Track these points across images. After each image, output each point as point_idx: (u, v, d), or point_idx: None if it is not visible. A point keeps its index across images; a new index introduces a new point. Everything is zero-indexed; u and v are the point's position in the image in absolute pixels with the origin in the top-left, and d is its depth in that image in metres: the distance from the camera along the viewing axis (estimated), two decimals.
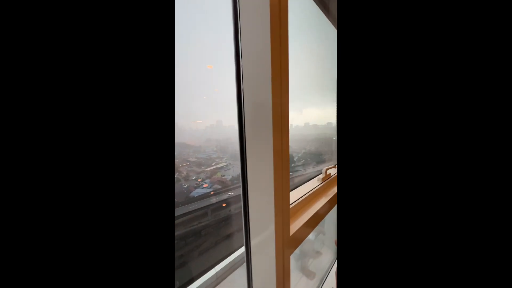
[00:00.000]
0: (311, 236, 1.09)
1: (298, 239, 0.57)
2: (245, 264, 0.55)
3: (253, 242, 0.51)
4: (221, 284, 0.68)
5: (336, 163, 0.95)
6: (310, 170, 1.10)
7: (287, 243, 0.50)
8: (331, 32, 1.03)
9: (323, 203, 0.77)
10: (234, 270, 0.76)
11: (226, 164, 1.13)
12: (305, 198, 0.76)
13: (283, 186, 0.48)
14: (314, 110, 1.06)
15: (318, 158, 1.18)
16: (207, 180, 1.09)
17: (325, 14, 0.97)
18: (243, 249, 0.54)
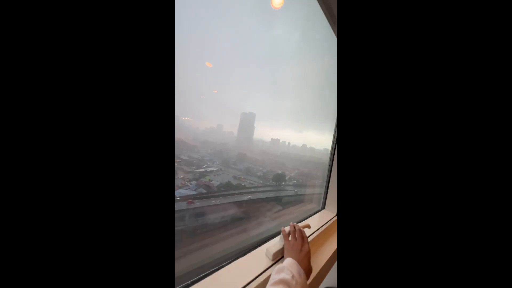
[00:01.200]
0: None
1: None
2: None
3: None
4: None
5: (305, 222, 0.65)
6: (301, 192, 1.07)
7: None
8: None
9: None
10: None
11: (217, 169, 1.11)
12: None
13: None
14: (313, 134, 1.07)
15: (309, 181, 1.16)
16: (193, 182, 1.06)
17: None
18: None
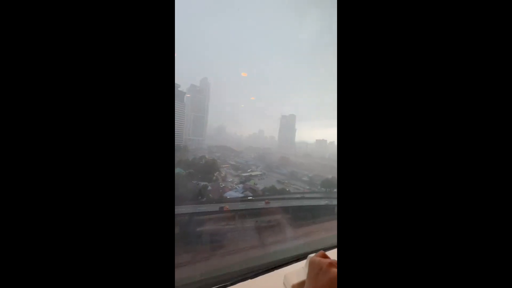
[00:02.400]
0: None
1: None
2: None
3: None
4: None
5: None
6: None
7: None
8: None
9: None
10: None
11: (261, 173, 1.12)
12: None
13: None
14: None
15: None
16: (240, 185, 1.11)
17: None
18: None
